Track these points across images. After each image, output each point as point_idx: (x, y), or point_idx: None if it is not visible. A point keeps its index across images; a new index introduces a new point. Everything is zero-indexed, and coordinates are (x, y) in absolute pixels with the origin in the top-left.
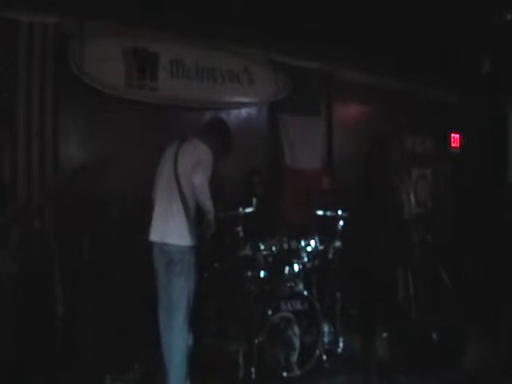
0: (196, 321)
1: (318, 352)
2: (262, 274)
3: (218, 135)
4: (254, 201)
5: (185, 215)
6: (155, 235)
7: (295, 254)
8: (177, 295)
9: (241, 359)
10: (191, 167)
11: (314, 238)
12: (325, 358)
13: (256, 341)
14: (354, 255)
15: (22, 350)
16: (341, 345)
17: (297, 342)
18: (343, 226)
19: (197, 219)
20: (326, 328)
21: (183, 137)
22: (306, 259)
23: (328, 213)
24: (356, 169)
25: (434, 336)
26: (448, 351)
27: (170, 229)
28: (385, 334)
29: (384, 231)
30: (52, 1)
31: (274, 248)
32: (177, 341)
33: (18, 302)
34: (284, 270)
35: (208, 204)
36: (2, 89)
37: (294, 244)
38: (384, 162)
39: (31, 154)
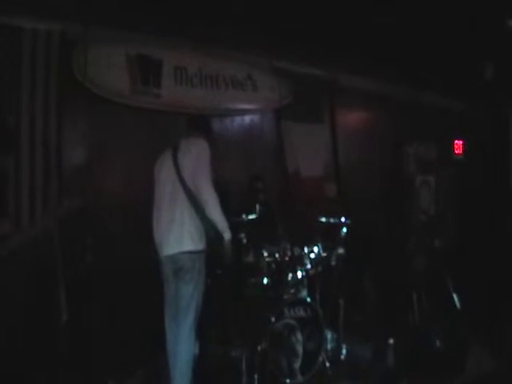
0: (200, 327)
1: (320, 359)
2: (265, 280)
3: (204, 130)
4: (258, 207)
5: (197, 216)
6: (168, 250)
7: (298, 260)
8: (185, 302)
9: (244, 366)
10: (193, 166)
11: (317, 245)
12: (328, 364)
13: (259, 347)
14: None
15: (26, 356)
16: (344, 352)
17: (300, 349)
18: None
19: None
20: (329, 335)
21: (175, 142)
22: (309, 266)
23: (331, 220)
24: (359, 175)
25: (438, 343)
26: (451, 358)
27: (183, 238)
28: (391, 341)
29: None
30: (56, 8)
31: (277, 255)
32: (183, 348)
33: (21, 308)
34: (287, 276)
35: (212, 199)
36: (6, 95)
37: (297, 251)
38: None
39: (35, 160)
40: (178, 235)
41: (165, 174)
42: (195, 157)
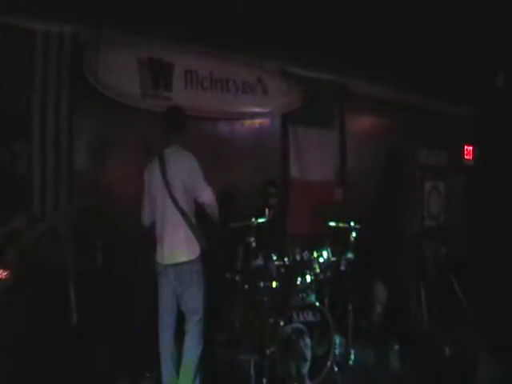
0: (208, 330)
1: (329, 364)
2: (274, 284)
3: (183, 124)
4: (267, 211)
5: (189, 228)
6: (162, 260)
7: (307, 265)
8: (189, 304)
9: (252, 370)
10: (186, 181)
11: (326, 250)
12: (336, 369)
13: (268, 351)
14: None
15: (35, 357)
16: (352, 357)
17: (308, 354)
18: (355, 238)
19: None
20: (337, 340)
21: (159, 149)
22: (318, 270)
23: (340, 224)
24: (368, 181)
25: (447, 350)
26: (460, 366)
27: (177, 253)
28: (397, 347)
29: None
30: (69, 10)
31: (286, 259)
32: (189, 349)
33: (32, 309)
34: (296, 280)
35: (216, 210)
36: (18, 97)
37: (306, 255)
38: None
39: (46, 161)
40: (173, 250)
41: (155, 186)
42: (188, 176)
